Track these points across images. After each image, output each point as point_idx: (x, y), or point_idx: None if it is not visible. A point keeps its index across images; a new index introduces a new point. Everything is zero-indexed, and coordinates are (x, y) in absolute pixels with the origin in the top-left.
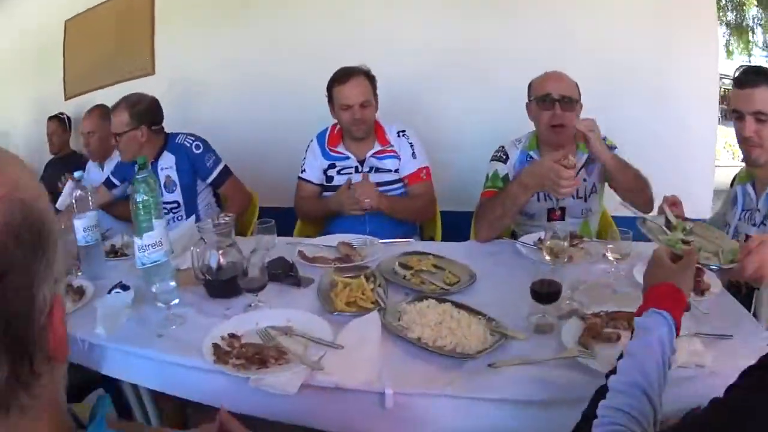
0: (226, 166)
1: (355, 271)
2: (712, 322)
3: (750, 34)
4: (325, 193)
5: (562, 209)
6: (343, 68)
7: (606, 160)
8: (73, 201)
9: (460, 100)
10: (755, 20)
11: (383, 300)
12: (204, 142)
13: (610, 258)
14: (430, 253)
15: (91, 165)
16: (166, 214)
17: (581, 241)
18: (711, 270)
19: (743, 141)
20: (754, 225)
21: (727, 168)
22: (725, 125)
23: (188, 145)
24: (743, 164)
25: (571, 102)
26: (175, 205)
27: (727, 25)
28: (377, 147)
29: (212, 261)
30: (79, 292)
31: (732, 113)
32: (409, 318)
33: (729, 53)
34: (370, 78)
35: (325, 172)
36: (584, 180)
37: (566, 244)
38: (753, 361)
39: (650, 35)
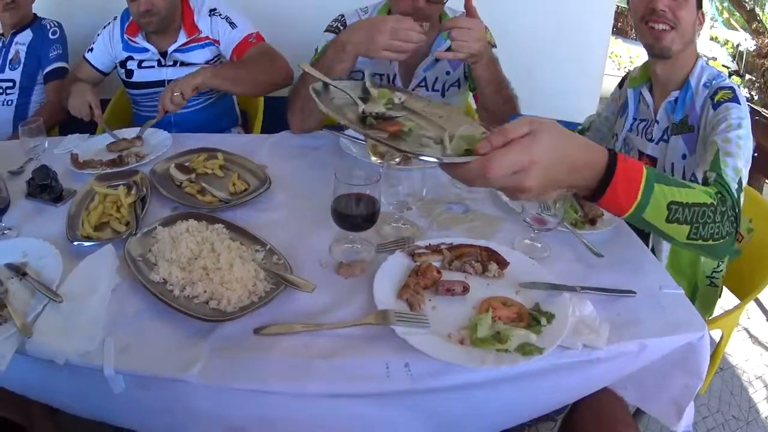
0: (66, 69)
1: (123, 177)
2: (607, 267)
3: None
4: (130, 91)
5: None
6: None
7: (478, 67)
8: None
9: None
10: None
11: (137, 220)
12: (63, 33)
13: None
14: (219, 150)
15: None
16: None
17: None
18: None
19: (651, 20)
20: (650, 140)
21: (611, 77)
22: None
23: (48, 27)
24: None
25: None
26: (11, 84)
27: None
28: (183, 38)
29: None
30: None
31: None
32: (160, 248)
33: None
34: None
35: (123, 65)
36: (447, 73)
37: None
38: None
39: None
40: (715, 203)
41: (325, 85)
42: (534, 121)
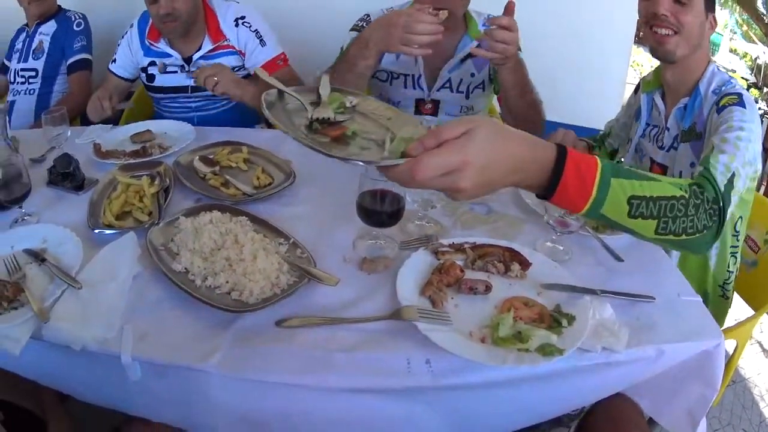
0: (89, 60)
1: (146, 168)
2: (627, 272)
3: None
4: (152, 94)
5: (435, 102)
6: None
7: (504, 70)
8: None
9: None
10: None
11: (159, 210)
12: (87, 25)
13: None
14: (244, 144)
15: None
16: (22, 83)
17: None
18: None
19: (654, 24)
20: (661, 147)
21: (633, 85)
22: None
23: (73, 19)
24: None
25: None
26: (33, 73)
27: None
28: (208, 45)
29: None
30: None
31: None
32: (182, 238)
33: None
34: None
35: (144, 70)
36: (472, 75)
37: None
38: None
39: None
40: (687, 195)
41: (280, 92)
42: (472, 121)
